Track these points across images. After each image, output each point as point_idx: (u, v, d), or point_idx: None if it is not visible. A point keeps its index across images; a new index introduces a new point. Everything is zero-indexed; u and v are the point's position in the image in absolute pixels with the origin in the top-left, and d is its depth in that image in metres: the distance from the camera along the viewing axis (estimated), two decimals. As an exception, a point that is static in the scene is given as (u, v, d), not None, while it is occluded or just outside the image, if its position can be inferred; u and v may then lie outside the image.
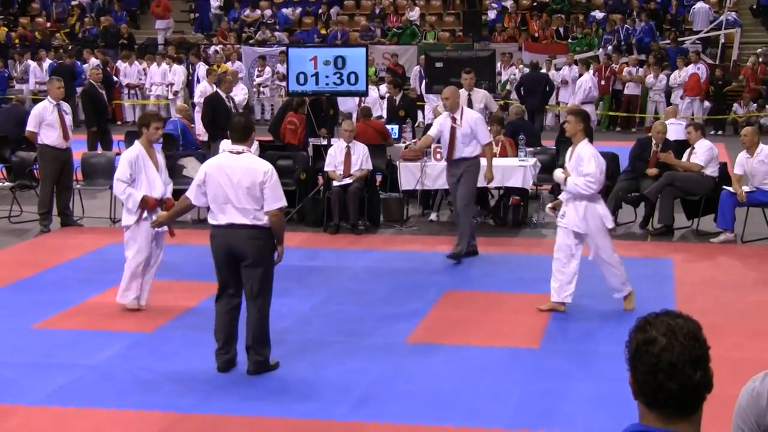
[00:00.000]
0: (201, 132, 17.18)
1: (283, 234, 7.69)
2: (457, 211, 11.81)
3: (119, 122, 26.59)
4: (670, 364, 2.71)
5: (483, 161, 11.68)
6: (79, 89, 21.71)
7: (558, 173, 9.47)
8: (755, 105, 24.81)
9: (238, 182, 7.44)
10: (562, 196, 9.56)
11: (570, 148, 9.47)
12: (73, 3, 33.32)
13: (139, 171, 9.32)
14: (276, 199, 7.51)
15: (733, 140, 19.82)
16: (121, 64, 27.69)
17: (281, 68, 26.42)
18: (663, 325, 2.77)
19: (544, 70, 24.86)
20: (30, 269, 11.33)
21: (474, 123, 11.44)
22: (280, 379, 7.71)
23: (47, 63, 27.85)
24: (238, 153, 7.59)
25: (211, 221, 7.67)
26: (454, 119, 11.40)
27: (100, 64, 24.10)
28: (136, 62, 27.80)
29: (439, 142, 11.95)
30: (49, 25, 32.40)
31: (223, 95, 15.67)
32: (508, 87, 24.84)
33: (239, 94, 21.20)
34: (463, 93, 14.38)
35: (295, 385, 7.58)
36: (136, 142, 9.52)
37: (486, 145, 11.58)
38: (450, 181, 11.78)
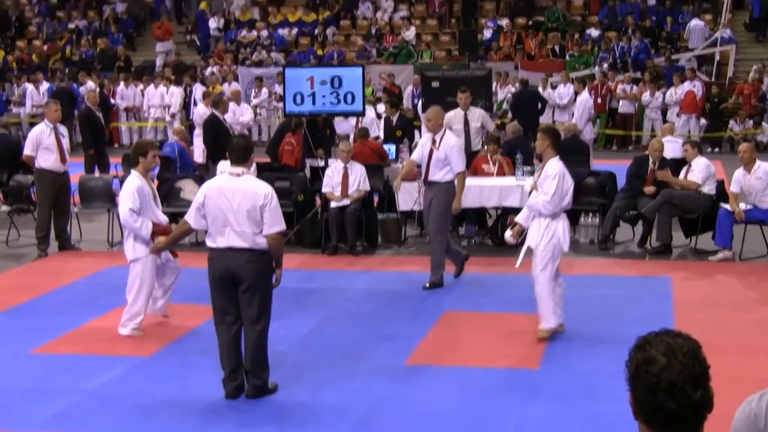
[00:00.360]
0: (199, 154, 17.23)
1: (281, 258, 7.67)
2: (429, 237, 11.61)
3: (116, 145, 26.61)
4: (669, 383, 2.71)
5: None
6: (77, 112, 21.74)
7: (526, 186, 9.49)
8: (751, 122, 24.85)
9: (238, 205, 7.41)
10: (519, 217, 9.45)
11: (541, 164, 9.49)
12: (70, 26, 33.45)
13: (144, 200, 9.33)
14: (276, 223, 7.49)
15: (730, 157, 19.85)
16: (118, 87, 27.72)
17: (279, 89, 26.46)
18: (662, 344, 2.77)
19: (540, 88, 24.97)
20: (28, 294, 11.31)
21: (450, 149, 11.17)
22: (279, 402, 7.68)
23: (44, 86, 27.93)
24: (238, 175, 7.57)
25: (209, 244, 7.63)
26: (434, 141, 11.22)
27: (96, 87, 24.15)
28: (132, 85, 27.84)
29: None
30: (46, 48, 32.48)
31: (221, 117, 15.69)
32: (504, 106, 24.88)
33: (245, 114, 21.29)
34: (459, 113, 14.44)
35: (294, 408, 7.56)
36: (134, 172, 9.49)
37: (459, 173, 11.26)
38: (424, 204, 11.60)
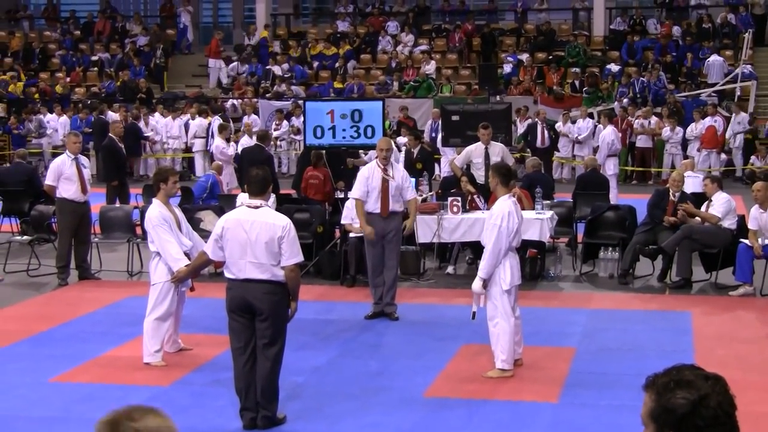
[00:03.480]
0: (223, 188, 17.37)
1: (298, 290, 7.67)
2: (384, 271, 11.39)
3: (134, 176, 26.65)
4: (727, 415, 2.71)
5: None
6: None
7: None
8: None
9: (256, 238, 7.43)
10: (480, 269, 9.22)
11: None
12: (93, 58, 33.73)
13: (170, 227, 9.38)
14: (293, 255, 7.50)
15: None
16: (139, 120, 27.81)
17: (296, 121, 26.57)
18: (699, 377, 2.76)
19: (560, 123, 25.04)
20: (47, 322, 11.35)
21: (405, 176, 11.49)
22: (297, 433, 7.67)
23: (64, 118, 28.11)
24: (256, 207, 7.60)
25: (227, 275, 7.66)
26: (385, 170, 11.29)
27: (121, 119, 24.26)
28: (156, 116, 27.91)
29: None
30: (68, 80, 32.75)
31: (266, 150, 15.80)
32: (523, 141, 24.90)
33: None
34: (480, 147, 14.48)
35: (312, 440, 7.54)
36: (155, 200, 9.54)
37: (413, 199, 11.59)
38: (375, 235, 11.26)
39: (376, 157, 11.63)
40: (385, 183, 11.25)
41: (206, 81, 32.86)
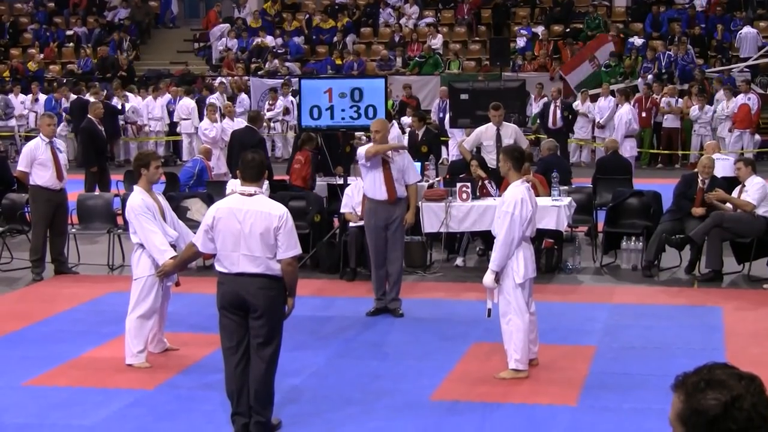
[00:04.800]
0: (225, 170, 17.31)
1: (295, 285, 7.65)
2: (386, 263, 11.44)
3: (114, 161, 26.62)
4: (762, 418, 2.72)
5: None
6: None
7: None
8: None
9: (250, 228, 7.40)
10: (492, 261, 9.25)
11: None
12: (68, 33, 33.70)
13: (154, 216, 9.37)
14: (291, 247, 7.47)
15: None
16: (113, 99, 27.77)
17: (284, 101, 26.56)
18: (733, 376, 2.77)
19: (578, 102, 25.00)
20: (21, 321, 11.36)
21: (408, 159, 11.49)
22: (293, 440, 7.69)
23: (42, 98, 28.10)
24: (250, 195, 7.57)
25: (218, 268, 7.63)
26: (385, 153, 11.36)
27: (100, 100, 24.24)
28: (134, 95, 27.82)
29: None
30: (42, 57, 32.72)
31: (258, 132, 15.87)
32: (539, 121, 24.89)
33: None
34: (491, 128, 14.47)
35: (310, 447, 7.56)
36: (136, 187, 9.52)
37: (414, 184, 11.58)
38: (377, 223, 11.38)
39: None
40: (385, 165, 11.25)
41: (192, 57, 32.83)
